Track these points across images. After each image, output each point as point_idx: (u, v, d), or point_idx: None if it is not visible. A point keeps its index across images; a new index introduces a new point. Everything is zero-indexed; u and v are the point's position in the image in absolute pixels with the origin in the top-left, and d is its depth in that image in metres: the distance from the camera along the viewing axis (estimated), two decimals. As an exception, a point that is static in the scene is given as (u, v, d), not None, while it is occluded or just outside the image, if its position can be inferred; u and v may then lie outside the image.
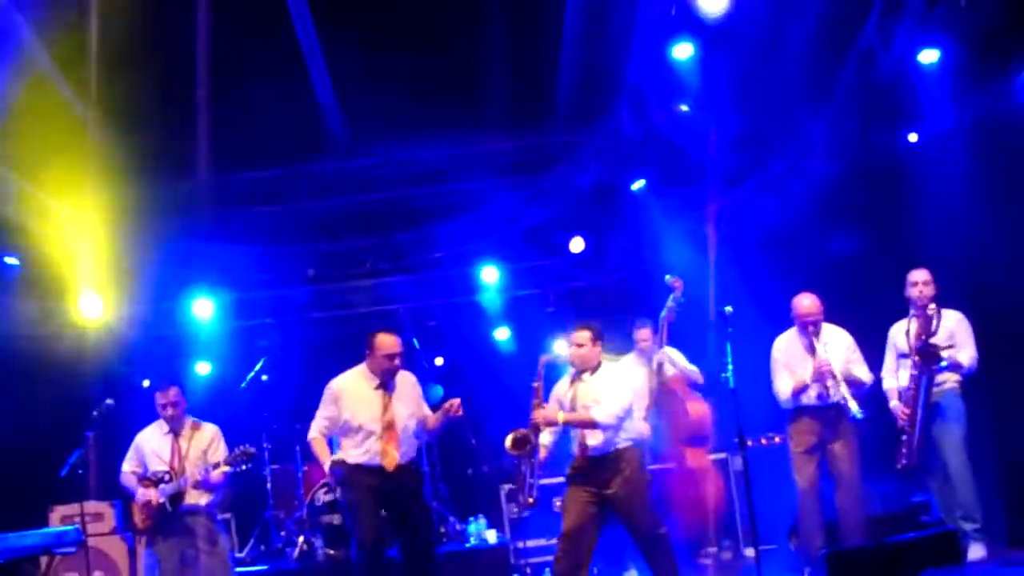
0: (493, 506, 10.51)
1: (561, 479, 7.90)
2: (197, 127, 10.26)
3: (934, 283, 8.08)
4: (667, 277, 9.01)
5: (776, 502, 8.47)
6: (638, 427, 7.51)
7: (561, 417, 7.33)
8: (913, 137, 9.45)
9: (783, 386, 8.19)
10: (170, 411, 8.18)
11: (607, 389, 7.34)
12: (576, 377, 7.51)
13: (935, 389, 7.98)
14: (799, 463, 8.16)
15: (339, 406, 7.69)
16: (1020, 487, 8.35)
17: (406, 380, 7.87)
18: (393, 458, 7.55)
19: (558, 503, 8.84)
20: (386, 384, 7.70)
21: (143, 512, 8.02)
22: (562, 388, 7.55)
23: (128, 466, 8.27)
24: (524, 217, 11.81)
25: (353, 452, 7.63)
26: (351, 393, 7.71)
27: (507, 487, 10.42)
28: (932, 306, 7.97)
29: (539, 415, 7.36)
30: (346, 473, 7.56)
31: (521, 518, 10.07)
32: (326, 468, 7.65)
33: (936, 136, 9.19)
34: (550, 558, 9.36)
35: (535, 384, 7.51)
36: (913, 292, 8.11)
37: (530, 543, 9.97)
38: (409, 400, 7.81)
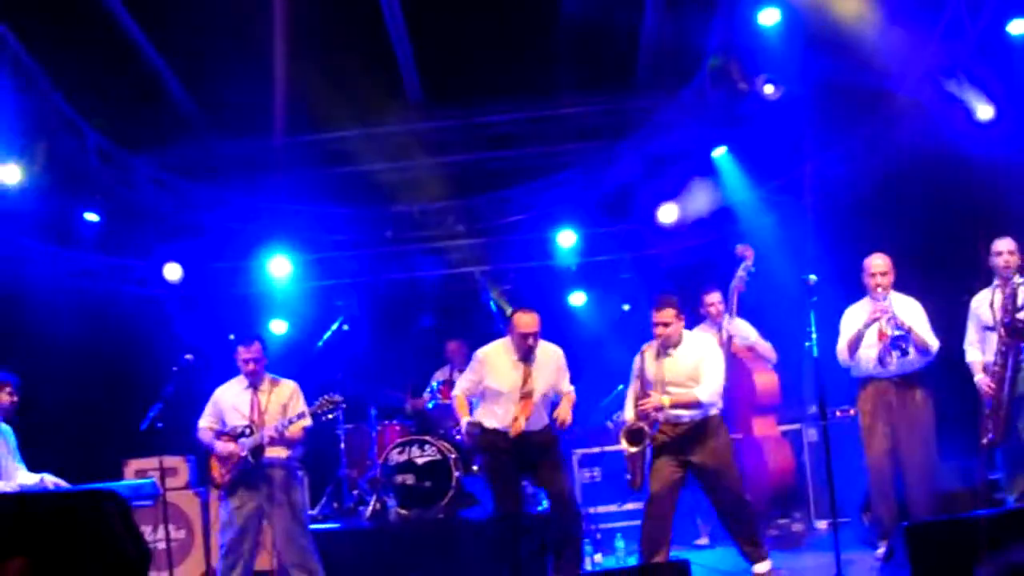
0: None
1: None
2: (275, 86, 10.29)
3: (1020, 252, 7.90)
4: (738, 246, 8.93)
5: (851, 475, 8.38)
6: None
7: (667, 401, 7.46)
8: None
9: (840, 344, 8.14)
10: (252, 366, 8.15)
11: (703, 366, 7.48)
12: (663, 353, 7.58)
13: None
14: (867, 435, 8.11)
15: (482, 373, 8.00)
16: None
17: (549, 354, 8.06)
18: (519, 426, 7.79)
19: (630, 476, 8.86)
20: (526, 358, 7.90)
21: (223, 466, 7.99)
22: (649, 366, 7.64)
23: (205, 422, 8.21)
24: (602, 182, 11.71)
25: (488, 416, 7.94)
26: (493, 362, 7.99)
27: (579, 452, 10.41)
28: (1018, 278, 7.75)
29: (647, 404, 7.46)
30: (481, 435, 7.89)
31: (593, 483, 10.13)
32: (463, 424, 7.99)
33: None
34: (621, 524, 9.45)
35: (633, 386, 7.77)
36: (998, 261, 7.80)
37: (601, 509, 9.98)
38: (549, 374, 8.00)
